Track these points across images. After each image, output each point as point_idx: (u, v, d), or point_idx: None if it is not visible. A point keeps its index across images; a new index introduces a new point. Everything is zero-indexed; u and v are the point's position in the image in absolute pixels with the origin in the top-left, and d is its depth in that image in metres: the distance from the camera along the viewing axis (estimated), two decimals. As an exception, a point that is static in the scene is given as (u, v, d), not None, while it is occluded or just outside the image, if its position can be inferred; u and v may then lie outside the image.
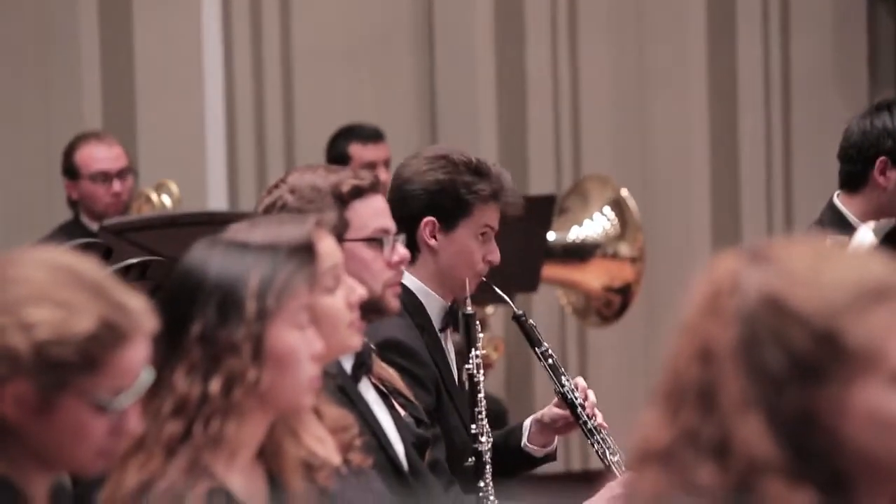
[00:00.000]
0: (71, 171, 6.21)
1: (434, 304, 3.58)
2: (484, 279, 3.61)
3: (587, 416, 3.58)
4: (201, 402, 2.40)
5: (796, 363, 1.67)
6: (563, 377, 3.60)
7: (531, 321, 3.68)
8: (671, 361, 1.71)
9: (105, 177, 6.17)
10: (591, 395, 3.61)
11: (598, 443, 3.58)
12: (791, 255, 1.72)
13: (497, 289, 3.61)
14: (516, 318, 3.67)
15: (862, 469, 1.67)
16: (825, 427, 1.66)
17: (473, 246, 3.55)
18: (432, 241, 3.53)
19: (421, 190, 3.51)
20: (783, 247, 1.73)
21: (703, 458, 1.67)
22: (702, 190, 7.27)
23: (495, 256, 3.57)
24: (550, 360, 3.63)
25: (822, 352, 1.67)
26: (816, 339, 1.67)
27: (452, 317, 3.61)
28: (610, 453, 3.59)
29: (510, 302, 3.62)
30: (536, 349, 3.65)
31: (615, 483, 3.50)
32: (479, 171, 3.55)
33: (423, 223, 3.51)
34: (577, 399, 3.58)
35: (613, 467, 3.58)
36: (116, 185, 6.17)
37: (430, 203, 3.52)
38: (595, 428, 3.58)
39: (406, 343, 3.44)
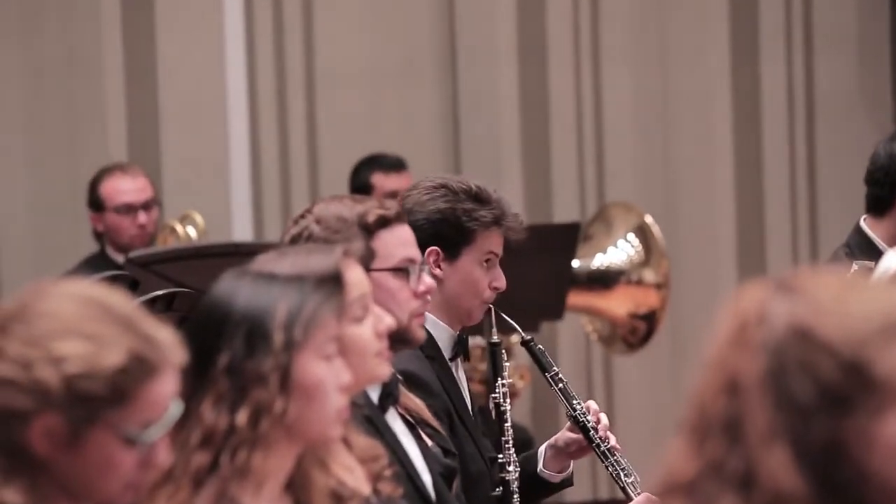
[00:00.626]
0: (96, 203, 6.23)
1: (443, 334, 3.57)
2: (492, 306, 3.60)
3: (600, 438, 3.58)
4: (228, 433, 2.40)
5: (824, 393, 1.66)
6: (574, 401, 3.60)
7: (540, 346, 3.68)
8: (697, 393, 1.71)
9: (130, 209, 6.18)
10: (604, 417, 3.61)
11: (612, 465, 3.58)
12: (818, 285, 1.71)
13: (504, 315, 3.60)
14: (525, 343, 3.67)
15: (887, 501, 1.66)
16: (851, 458, 1.65)
17: (478, 273, 3.55)
18: (437, 271, 3.52)
19: (423, 220, 3.51)
20: (810, 277, 1.73)
21: (727, 490, 1.66)
22: (726, 215, 7.26)
23: (501, 283, 3.57)
24: (561, 384, 3.63)
25: (850, 382, 1.66)
26: (844, 370, 1.66)
27: (462, 345, 3.60)
28: (624, 475, 3.58)
29: (518, 328, 3.61)
30: (546, 374, 3.65)
31: (632, 504, 3.50)
32: (479, 197, 3.54)
33: (427, 253, 3.50)
34: (589, 422, 3.58)
35: (628, 489, 3.58)
36: (142, 217, 6.18)
37: (434, 233, 3.51)
38: (609, 450, 3.57)
39: (417, 374, 3.43)
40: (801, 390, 1.66)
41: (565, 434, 3.63)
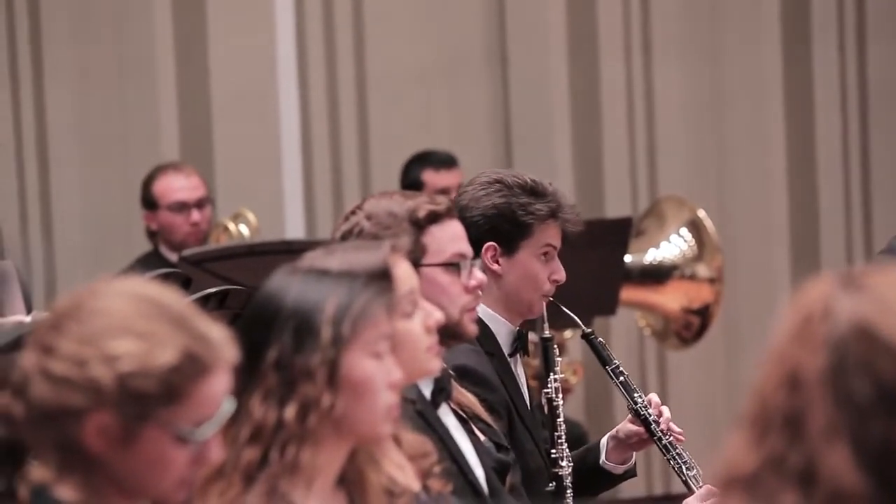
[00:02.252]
0: (150, 202, 6.26)
1: (502, 330, 3.57)
2: (551, 299, 3.59)
3: (661, 431, 3.56)
4: (277, 428, 2.40)
5: (882, 393, 1.65)
6: (635, 394, 3.60)
7: (600, 339, 3.67)
8: (758, 386, 1.69)
9: (184, 207, 6.21)
10: (666, 410, 3.60)
11: (674, 458, 3.57)
12: (885, 283, 1.70)
13: (564, 308, 3.59)
14: (585, 336, 3.66)
15: None
16: None
17: (537, 267, 3.54)
18: (495, 266, 3.52)
19: (479, 216, 3.51)
20: (877, 274, 1.71)
21: (787, 486, 1.65)
22: (779, 208, 7.22)
23: (560, 275, 3.56)
24: (622, 378, 3.62)
25: None
26: None
27: (521, 341, 3.60)
28: (686, 468, 3.57)
29: (578, 321, 3.61)
30: (607, 367, 3.64)
31: (693, 498, 3.48)
32: (534, 191, 3.54)
33: (484, 249, 3.50)
34: (650, 415, 3.57)
35: (690, 482, 3.57)
36: (195, 215, 6.21)
37: (490, 228, 3.52)
38: (670, 444, 3.57)
39: (476, 369, 3.43)
40: (860, 389, 1.65)
41: (627, 426, 3.63)
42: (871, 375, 1.65)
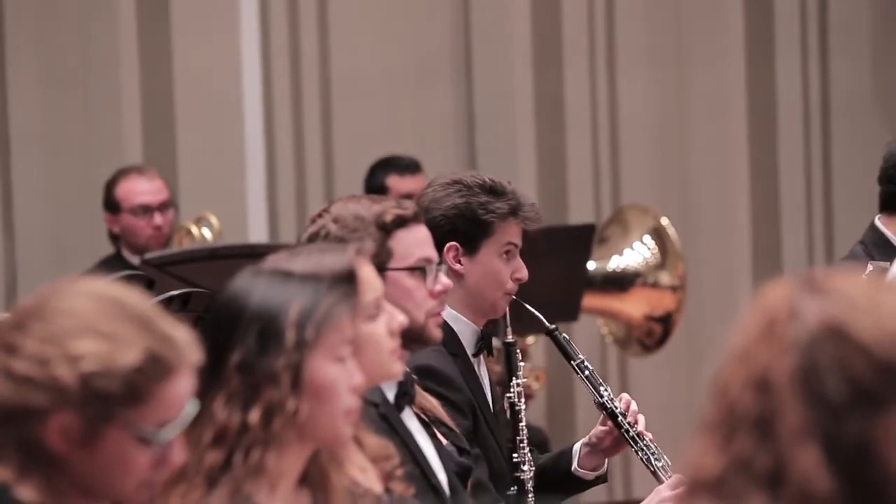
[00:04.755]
0: (112, 204, 6.24)
1: (466, 330, 3.58)
2: (514, 298, 3.60)
3: (629, 424, 3.57)
4: (241, 431, 2.39)
5: (856, 392, 1.65)
6: (601, 387, 3.60)
7: (564, 335, 3.67)
8: (722, 389, 1.70)
9: (146, 210, 6.19)
10: (634, 404, 3.60)
11: (642, 449, 3.58)
12: (848, 284, 1.70)
13: (527, 305, 3.59)
14: (549, 332, 3.66)
15: None
16: (882, 458, 1.64)
17: (499, 265, 3.55)
18: (458, 266, 3.53)
19: (441, 216, 3.52)
20: (837, 276, 1.72)
21: (755, 488, 1.65)
22: (742, 217, 7.25)
23: (523, 273, 3.57)
24: (587, 372, 3.63)
25: (882, 381, 1.66)
26: (877, 369, 1.66)
27: (485, 341, 3.60)
28: (654, 459, 3.58)
29: (541, 317, 3.61)
30: (572, 362, 3.65)
31: (663, 487, 3.49)
32: (493, 190, 3.55)
33: (446, 249, 3.51)
34: (617, 408, 3.58)
35: (659, 472, 3.57)
36: (157, 219, 6.19)
37: (451, 228, 3.52)
38: (638, 435, 3.57)
39: (439, 369, 3.44)
40: (833, 389, 1.65)
41: (597, 428, 3.64)
42: (844, 375, 1.66)
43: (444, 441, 3.21)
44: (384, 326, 2.72)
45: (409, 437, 3.07)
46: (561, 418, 7.01)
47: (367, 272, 2.70)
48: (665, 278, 6.25)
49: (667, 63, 7.18)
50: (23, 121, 6.76)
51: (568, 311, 5.90)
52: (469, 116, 7.09)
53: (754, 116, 7.25)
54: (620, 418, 3.58)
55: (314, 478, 2.48)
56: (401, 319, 2.75)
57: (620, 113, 7.15)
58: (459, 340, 3.55)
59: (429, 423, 3.17)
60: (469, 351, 3.57)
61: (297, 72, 6.95)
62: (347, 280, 2.50)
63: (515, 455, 3.50)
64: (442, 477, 3.13)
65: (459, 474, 3.19)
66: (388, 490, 2.64)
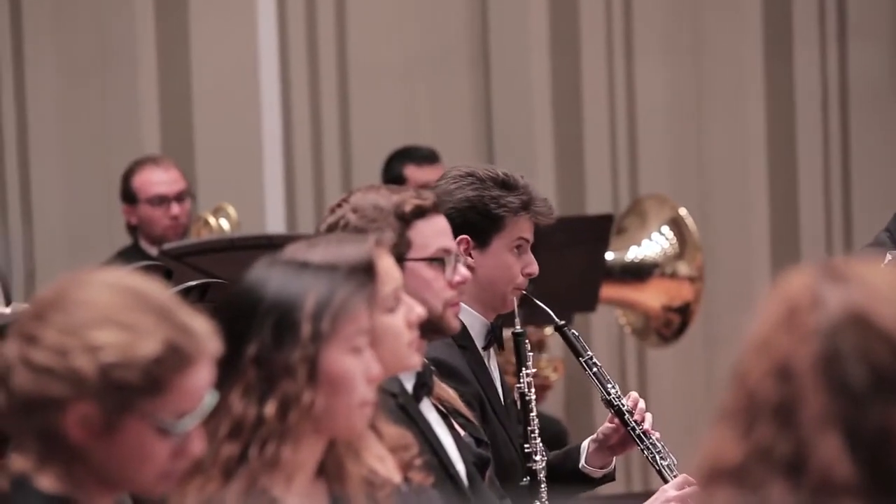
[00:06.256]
0: (129, 195, 6.24)
1: (476, 323, 3.57)
2: (524, 293, 3.59)
3: (635, 421, 3.57)
4: (257, 424, 2.39)
5: (878, 380, 1.65)
6: (608, 384, 3.60)
7: (574, 331, 3.67)
8: (742, 377, 1.69)
9: (163, 200, 6.19)
10: (642, 402, 3.60)
11: (648, 448, 3.57)
12: (869, 272, 1.70)
13: (536, 300, 3.59)
14: (558, 328, 3.66)
15: None
16: None
17: (510, 260, 3.55)
18: (468, 259, 3.52)
19: (452, 209, 3.50)
20: (858, 265, 1.72)
21: (775, 476, 1.65)
22: (760, 206, 7.23)
23: (533, 268, 3.56)
24: (595, 369, 3.62)
25: None
26: None
27: (495, 335, 3.59)
28: (660, 457, 3.57)
29: (551, 313, 3.60)
30: (580, 358, 3.64)
31: (668, 486, 3.48)
32: (506, 184, 3.54)
33: (457, 242, 3.50)
34: (624, 405, 3.57)
35: (664, 471, 3.57)
36: (175, 209, 6.19)
37: (463, 222, 3.51)
38: (644, 433, 3.56)
39: (448, 362, 3.43)
40: (856, 376, 1.65)
41: (605, 425, 3.63)
42: (867, 362, 1.66)
43: (462, 432, 3.21)
44: (403, 318, 2.71)
45: (427, 428, 3.07)
46: (579, 408, 7.01)
47: (386, 263, 2.69)
48: (683, 268, 6.24)
49: (684, 51, 7.16)
50: (41, 112, 6.77)
51: (586, 301, 5.90)
52: (486, 106, 7.08)
53: (772, 105, 7.23)
54: (627, 416, 3.57)
55: (331, 468, 2.48)
56: (419, 311, 2.74)
57: (638, 102, 7.14)
58: (469, 333, 3.55)
59: (447, 414, 3.17)
60: (479, 344, 3.57)
61: (314, 62, 6.95)
62: (365, 270, 2.50)
63: (527, 446, 3.49)
64: (460, 467, 3.13)
65: (477, 465, 3.19)
66: (406, 479, 2.64)
